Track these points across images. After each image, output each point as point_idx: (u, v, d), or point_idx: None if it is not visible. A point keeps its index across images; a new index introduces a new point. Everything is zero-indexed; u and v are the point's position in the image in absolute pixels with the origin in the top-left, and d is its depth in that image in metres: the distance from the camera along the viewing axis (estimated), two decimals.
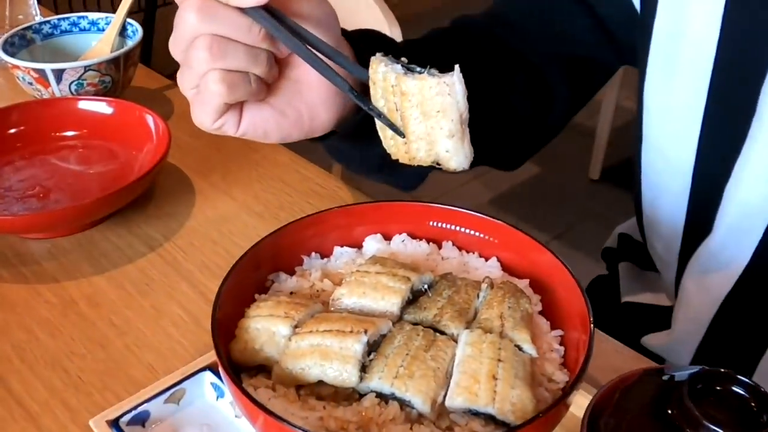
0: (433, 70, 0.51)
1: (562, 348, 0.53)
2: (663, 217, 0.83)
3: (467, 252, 0.61)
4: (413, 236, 0.62)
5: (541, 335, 0.54)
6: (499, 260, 0.60)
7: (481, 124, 0.80)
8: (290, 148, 0.89)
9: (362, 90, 0.56)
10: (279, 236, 0.59)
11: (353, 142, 0.68)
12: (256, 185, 0.83)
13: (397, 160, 0.55)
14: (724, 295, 0.76)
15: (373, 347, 0.50)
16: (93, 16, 0.99)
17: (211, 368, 0.57)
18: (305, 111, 0.60)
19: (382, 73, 0.52)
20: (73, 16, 0.99)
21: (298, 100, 0.60)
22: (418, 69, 0.51)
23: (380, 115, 0.53)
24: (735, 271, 0.74)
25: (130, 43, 0.93)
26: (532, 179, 2.51)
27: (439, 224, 0.62)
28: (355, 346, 0.49)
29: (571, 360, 0.52)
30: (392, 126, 0.53)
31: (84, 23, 0.99)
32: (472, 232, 0.61)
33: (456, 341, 0.51)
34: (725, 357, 0.79)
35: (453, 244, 0.62)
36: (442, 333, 0.52)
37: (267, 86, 0.58)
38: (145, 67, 1.05)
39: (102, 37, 0.96)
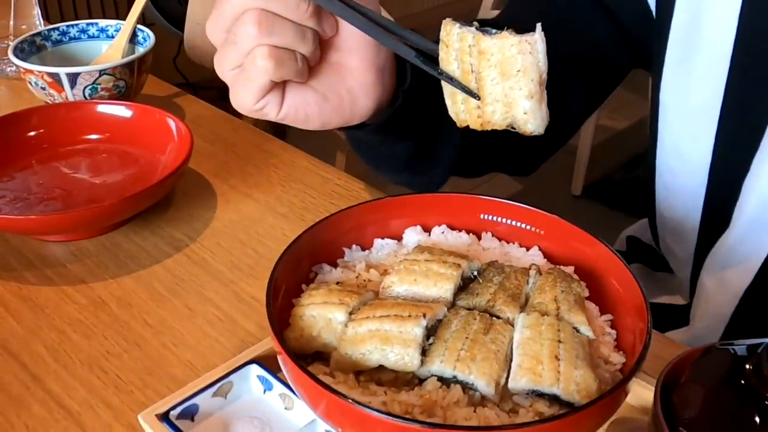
0: (511, 31, 0.50)
1: (614, 331, 0.53)
2: (678, 215, 0.83)
3: (507, 242, 0.62)
4: (452, 227, 0.62)
5: (593, 319, 0.54)
6: (540, 249, 0.60)
7: (485, 132, 0.81)
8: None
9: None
10: (319, 229, 0.59)
11: (384, 136, 0.68)
12: (278, 188, 0.83)
13: (462, 128, 0.54)
14: (744, 290, 0.77)
15: (430, 332, 0.50)
16: (102, 23, 0.99)
17: (257, 361, 0.56)
18: (346, 96, 0.60)
19: (458, 33, 0.51)
20: (82, 23, 0.98)
21: (340, 85, 0.59)
22: (493, 31, 0.50)
23: (452, 79, 0.52)
24: (754, 264, 0.75)
25: (142, 49, 0.93)
26: (515, 196, 2.53)
27: (482, 215, 0.62)
28: (415, 329, 0.48)
29: (626, 343, 0.52)
30: (466, 89, 0.52)
31: (93, 30, 0.98)
32: (512, 222, 0.61)
33: (512, 325, 0.51)
34: None
35: (492, 235, 0.62)
36: (497, 317, 0.52)
37: (310, 69, 0.58)
38: (152, 76, 1.04)
39: (112, 44, 0.96)
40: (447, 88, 0.53)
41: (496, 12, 1.96)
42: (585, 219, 0.64)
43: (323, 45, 0.58)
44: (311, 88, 0.58)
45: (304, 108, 0.58)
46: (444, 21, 0.52)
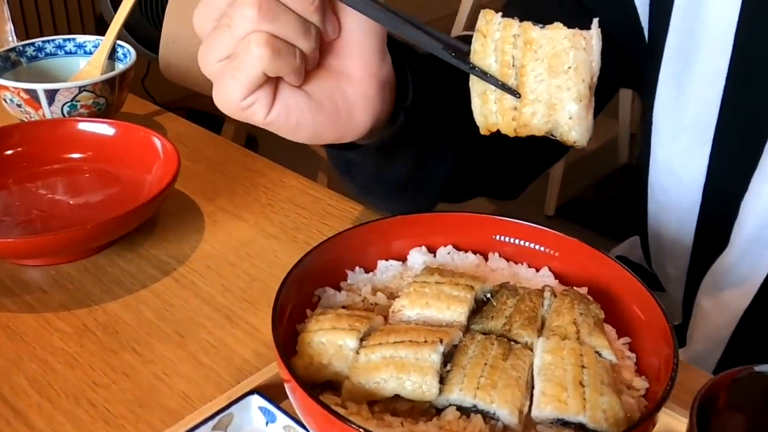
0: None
1: (633, 355, 0.52)
2: (671, 233, 0.82)
3: (515, 263, 0.59)
4: (458, 248, 0.60)
5: (612, 342, 0.52)
6: (551, 270, 0.58)
7: (480, 151, 0.79)
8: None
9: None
10: (322, 251, 0.56)
11: (379, 158, 0.65)
12: (267, 208, 0.80)
13: (480, 133, 0.49)
14: (743, 311, 0.76)
15: (446, 358, 0.47)
16: (80, 38, 0.95)
17: (258, 392, 0.53)
18: (343, 107, 0.54)
19: (500, 23, 0.46)
20: (59, 38, 0.95)
21: (338, 94, 0.54)
22: (540, 25, 0.46)
23: (486, 74, 0.47)
24: (753, 285, 0.74)
25: (122, 65, 0.90)
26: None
27: (488, 236, 0.60)
28: (433, 356, 0.46)
29: (647, 367, 0.50)
30: (505, 85, 0.47)
31: (70, 46, 0.95)
32: (522, 242, 0.59)
33: (531, 349, 0.49)
34: None
35: (500, 255, 0.60)
36: (515, 342, 0.49)
37: (306, 73, 0.53)
38: (131, 94, 1.01)
39: (91, 60, 0.92)
40: (478, 86, 0.48)
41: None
42: None
43: (323, 49, 0.53)
44: (306, 94, 0.53)
45: (297, 114, 0.53)
46: (483, 11, 0.47)
